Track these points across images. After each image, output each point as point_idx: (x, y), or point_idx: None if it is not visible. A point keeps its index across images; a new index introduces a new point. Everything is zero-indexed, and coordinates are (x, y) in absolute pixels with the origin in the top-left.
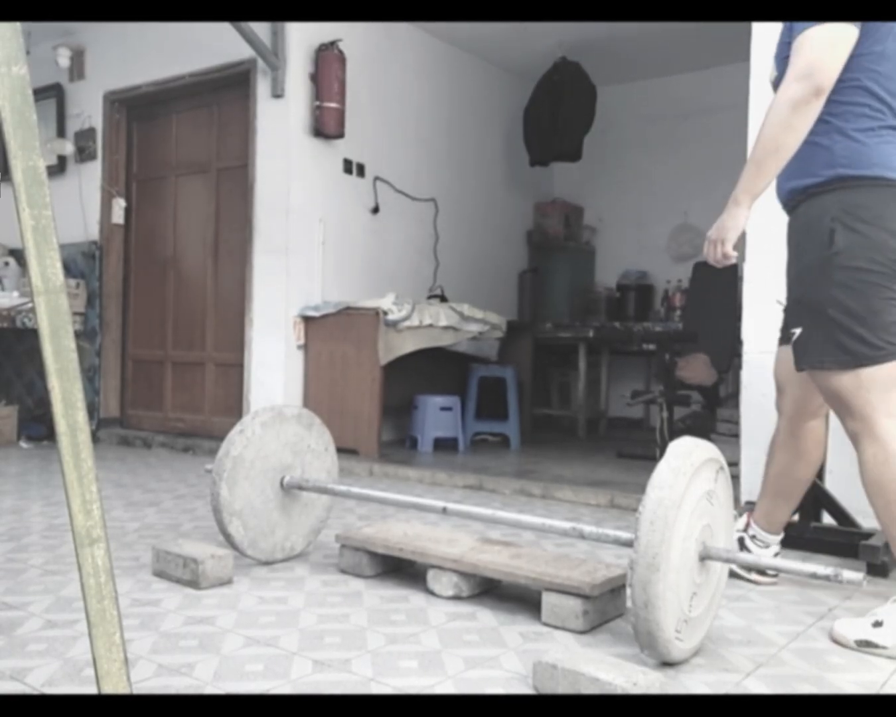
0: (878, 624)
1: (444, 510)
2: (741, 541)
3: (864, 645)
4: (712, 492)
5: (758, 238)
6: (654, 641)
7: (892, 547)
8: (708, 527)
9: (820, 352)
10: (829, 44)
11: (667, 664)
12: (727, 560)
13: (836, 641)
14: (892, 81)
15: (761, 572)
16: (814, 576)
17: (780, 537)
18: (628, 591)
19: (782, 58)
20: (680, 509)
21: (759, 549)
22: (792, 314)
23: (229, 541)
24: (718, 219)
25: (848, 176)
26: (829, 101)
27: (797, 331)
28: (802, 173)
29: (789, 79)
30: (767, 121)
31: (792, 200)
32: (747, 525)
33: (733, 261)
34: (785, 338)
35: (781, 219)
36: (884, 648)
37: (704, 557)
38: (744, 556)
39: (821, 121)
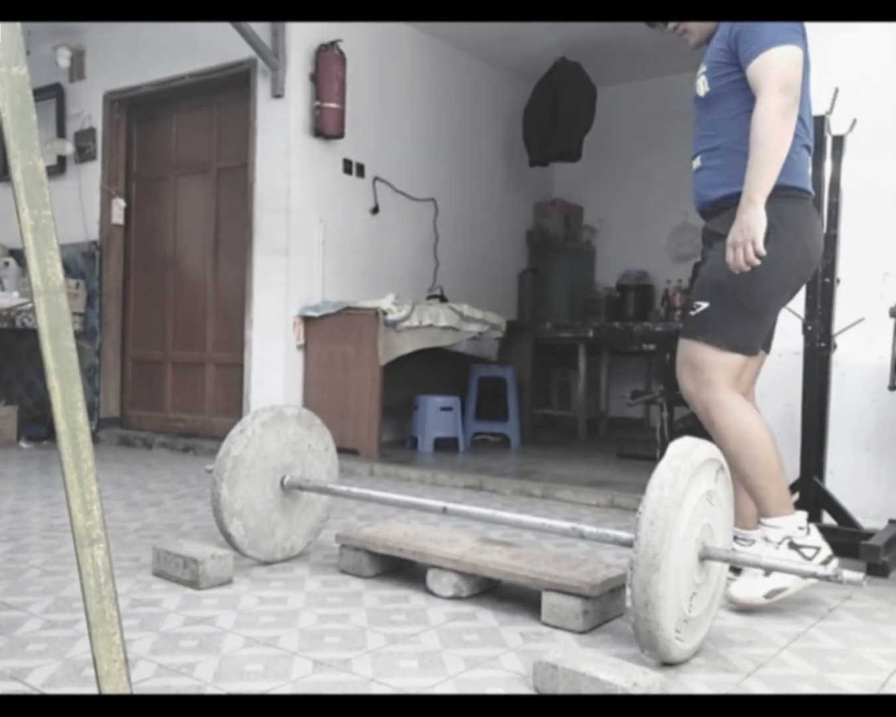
0: (768, 573)
1: (445, 511)
2: None
3: (773, 594)
4: (712, 492)
5: None
6: (654, 641)
7: (765, 498)
8: (708, 527)
9: (717, 329)
10: (793, 61)
11: (667, 664)
12: (727, 560)
13: (744, 606)
14: (805, 107)
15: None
16: (814, 576)
17: (759, 530)
18: (628, 591)
19: (717, 75)
20: (680, 508)
21: (745, 548)
22: (702, 291)
23: (229, 541)
24: (737, 223)
25: (782, 185)
26: None
27: (704, 305)
28: (736, 182)
29: (772, 92)
30: (765, 130)
31: (724, 203)
32: None
33: (758, 261)
34: None
35: None
36: (786, 588)
37: (704, 557)
38: (743, 556)
39: None
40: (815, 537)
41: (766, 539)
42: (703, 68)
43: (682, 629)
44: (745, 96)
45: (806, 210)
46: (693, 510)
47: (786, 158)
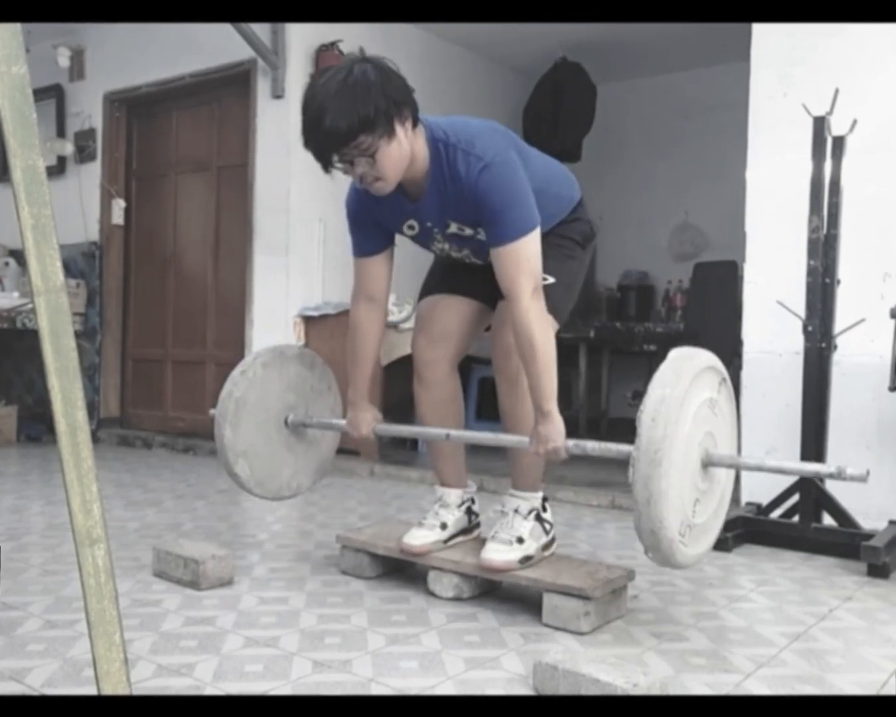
0: (521, 540)
1: (448, 436)
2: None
3: (525, 560)
4: (715, 400)
5: (759, 240)
6: (657, 540)
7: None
8: (710, 435)
9: (558, 302)
10: (538, 249)
11: (671, 565)
12: (730, 466)
13: (499, 569)
14: (537, 158)
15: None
16: (817, 475)
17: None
18: (632, 492)
19: (466, 237)
20: (682, 407)
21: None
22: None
23: (236, 481)
24: (543, 432)
25: (565, 220)
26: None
27: (551, 279)
28: (559, 212)
29: (525, 296)
30: (542, 340)
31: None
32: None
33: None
34: (455, 289)
35: (781, 222)
36: (533, 556)
37: (707, 463)
38: (745, 461)
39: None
40: (550, 514)
41: (516, 511)
42: (449, 227)
43: (685, 533)
44: None
45: (591, 227)
46: (695, 414)
47: (554, 200)
